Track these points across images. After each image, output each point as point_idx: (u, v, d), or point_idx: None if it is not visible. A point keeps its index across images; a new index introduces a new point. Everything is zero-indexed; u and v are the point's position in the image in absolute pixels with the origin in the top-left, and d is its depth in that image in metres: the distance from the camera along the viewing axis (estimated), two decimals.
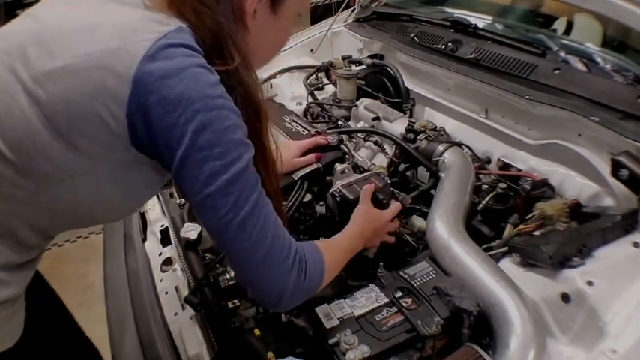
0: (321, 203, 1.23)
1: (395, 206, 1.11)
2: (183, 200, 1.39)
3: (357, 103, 1.67)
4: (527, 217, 1.05)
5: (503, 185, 1.21)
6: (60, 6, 0.79)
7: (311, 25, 2.30)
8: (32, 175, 0.71)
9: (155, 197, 1.50)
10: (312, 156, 1.24)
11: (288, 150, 1.24)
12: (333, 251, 0.90)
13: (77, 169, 0.71)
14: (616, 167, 0.99)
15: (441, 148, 1.27)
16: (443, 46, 1.55)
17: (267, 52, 0.91)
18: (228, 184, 0.71)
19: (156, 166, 0.75)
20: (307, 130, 1.40)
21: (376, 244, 1.09)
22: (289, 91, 1.91)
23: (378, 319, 0.89)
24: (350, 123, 1.67)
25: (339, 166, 1.21)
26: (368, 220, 1.04)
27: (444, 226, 1.04)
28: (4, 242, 0.76)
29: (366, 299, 0.93)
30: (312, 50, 2.12)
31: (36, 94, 0.68)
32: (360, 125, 1.60)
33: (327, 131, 1.43)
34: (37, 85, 0.68)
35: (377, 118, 1.55)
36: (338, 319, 0.89)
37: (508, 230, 1.10)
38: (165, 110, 0.66)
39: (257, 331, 0.95)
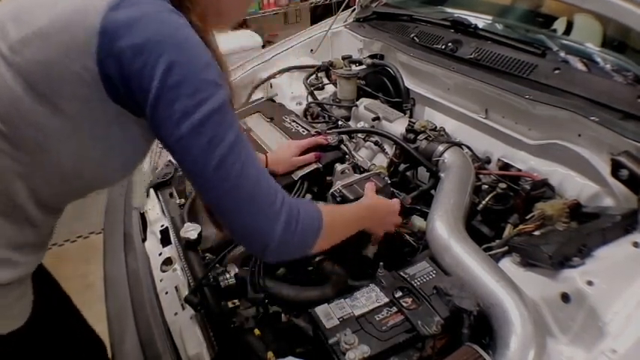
0: (321, 203, 1.23)
1: (397, 203, 1.12)
2: (183, 200, 1.39)
3: (357, 103, 1.67)
4: (527, 217, 1.05)
5: (503, 185, 1.21)
6: None
7: (311, 25, 2.30)
8: (23, 145, 0.73)
9: (155, 197, 1.50)
10: (311, 155, 1.24)
11: (287, 149, 1.24)
12: (333, 215, 0.88)
13: (62, 131, 0.73)
14: (616, 167, 0.99)
15: (441, 148, 1.27)
16: (443, 46, 1.55)
17: (232, 12, 0.88)
18: (200, 124, 0.70)
19: (137, 121, 0.76)
20: (307, 130, 1.40)
21: (380, 233, 1.09)
22: (289, 91, 1.91)
23: (378, 319, 0.89)
24: (350, 123, 1.67)
25: (339, 166, 1.21)
26: (378, 205, 1.06)
27: (444, 226, 1.04)
28: (14, 221, 0.77)
29: (366, 299, 0.93)
30: (312, 50, 2.12)
31: (13, 61, 0.70)
32: (360, 125, 1.60)
33: (327, 131, 1.43)
34: (14, 53, 0.70)
35: (377, 118, 1.55)
36: (338, 319, 0.89)
37: (508, 230, 1.10)
38: (134, 54, 0.67)
39: (257, 331, 0.95)
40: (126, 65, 0.68)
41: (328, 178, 1.24)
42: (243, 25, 3.84)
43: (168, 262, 1.27)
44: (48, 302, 0.93)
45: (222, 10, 0.84)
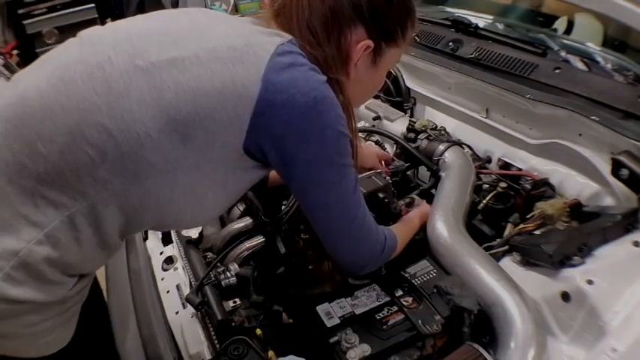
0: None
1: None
2: None
3: None
4: (528, 217, 1.05)
5: (503, 184, 1.21)
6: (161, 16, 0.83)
7: None
8: (133, 161, 0.69)
9: None
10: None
11: (368, 148, 1.28)
12: (402, 237, 0.99)
13: (183, 162, 0.70)
14: (616, 166, 0.99)
15: (441, 147, 1.27)
16: (444, 46, 1.54)
17: (360, 98, 0.95)
18: (343, 175, 0.78)
19: (255, 167, 0.78)
20: None
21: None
22: None
23: (378, 318, 0.89)
24: None
25: None
26: (423, 213, 1.12)
27: (444, 226, 1.04)
28: (95, 240, 0.73)
29: (367, 298, 0.93)
30: None
31: (156, 79, 0.68)
32: (361, 124, 1.60)
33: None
34: (159, 69, 0.69)
35: (378, 117, 1.55)
36: (339, 317, 0.90)
37: (509, 229, 1.10)
38: (292, 111, 0.69)
39: (258, 331, 0.95)
40: (282, 119, 0.70)
41: None
42: None
43: (169, 261, 1.27)
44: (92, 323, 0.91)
45: (352, 96, 0.86)
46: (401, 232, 1.01)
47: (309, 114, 0.71)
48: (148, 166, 0.69)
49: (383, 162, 1.29)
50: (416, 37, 1.66)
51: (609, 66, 1.21)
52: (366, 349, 0.82)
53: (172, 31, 0.75)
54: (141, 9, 3.97)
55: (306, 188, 0.79)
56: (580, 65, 1.25)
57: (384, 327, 0.87)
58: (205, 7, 2.78)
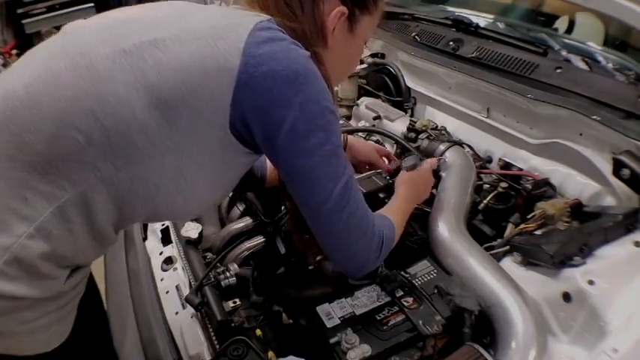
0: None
1: (428, 164, 1.14)
2: None
3: (358, 102, 1.67)
4: (529, 217, 1.05)
5: (504, 184, 1.21)
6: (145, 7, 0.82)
7: None
8: (120, 145, 0.68)
9: None
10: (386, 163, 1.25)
11: (366, 144, 1.26)
12: (396, 219, 0.94)
13: (169, 144, 0.70)
14: (618, 166, 0.99)
15: (442, 147, 1.27)
16: (444, 45, 1.54)
17: (340, 71, 0.93)
18: (330, 155, 0.74)
19: (243, 154, 0.77)
20: None
21: (424, 198, 1.11)
22: None
23: (379, 318, 0.89)
24: (351, 122, 1.66)
25: None
26: (415, 179, 1.08)
27: (445, 226, 1.04)
28: (87, 230, 0.72)
29: (367, 298, 0.93)
30: None
31: (139, 60, 0.68)
32: (361, 124, 1.60)
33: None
34: (141, 50, 0.69)
35: (378, 117, 1.55)
36: (339, 318, 0.89)
37: (509, 229, 1.10)
38: (274, 82, 0.69)
39: (258, 331, 0.95)
40: (261, 91, 0.69)
41: None
42: None
43: (169, 261, 1.27)
44: (89, 320, 0.91)
45: (334, 69, 0.85)
46: (398, 211, 0.97)
47: (292, 84, 0.70)
48: (135, 150, 0.69)
49: (385, 158, 1.28)
50: (416, 37, 1.66)
51: (610, 65, 1.21)
52: (366, 349, 0.82)
53: (153, 17, 0.77)
54: None
55: (291, 166, 0.76)
56: (581, 65, 1.24)
57: (385, 327, 0.87)
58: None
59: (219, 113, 0.70)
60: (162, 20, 0.76)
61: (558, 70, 1.22)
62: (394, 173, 1.21)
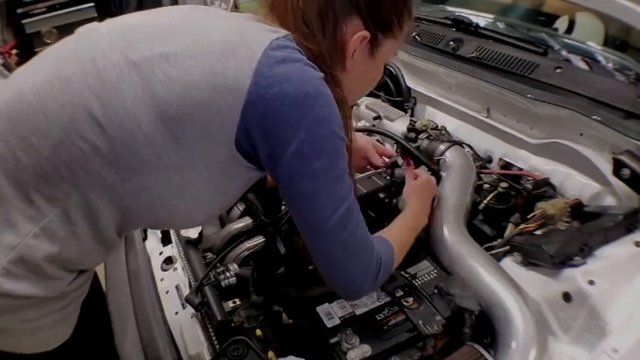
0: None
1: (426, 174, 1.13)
2: None
3: (358, 102, 1.66)
4: (529, 217, 1.05)
5: (504, 184, 1.21)
6: (155, 13, 0.82)
7: None
8: (126, 157, 0.68)
9: None
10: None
11: (366, 143, 1.23)
12: (399, 243, 0.90)
13: (174, 158, 0.69)
14: (618, 166, 0.99)
15: (442, 147, 1.27)
16: (444, 45, 1.54)
17: (357, 92, 0.92)
18: (335, 180, 0.73)
19: (247, 170, 0.76)
20: None
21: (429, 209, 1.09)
22: None
23: (379, 318, 0.89)
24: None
25: None
26: (418, 189, 1.06)
27: (445, 226, 1.04)
28: (91, 234, 0.72)
29: (367, 298, 0.93)
30: None
31: (148, 72, 0.68)
32: (362, 124, 1.59)
33: None
34: (151, 63, 0.68)
35: (378, 117, 1.55)
36: (339, 318, 0.89)
37: (509, 229, 1.10)
38: (283, 103, 0.68)
39: (258, 331, 0.95)
40: (270, 113, 0.68)
41: None
42: None
43: (168, 261, 1.27)
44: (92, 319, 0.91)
45: (350, 90, 0.84)
46: (406, 228, 0.95)
47: (302, 106, 0.69)
48: (141, 162, 0.69)
49: (383, 157, 1.26)
50: (416, 37, 1.66)
51: (610, 65, 1.21)
52: (366, 349, 0.82)
53: (166, 26, 0.75)
54: (140, 8, 3.97)
55: (292, 187, 0.74)
56: (581, 64, 1.24)
57: (385, 327, 0.87)
58: (205, 5, 2.78)
59: (225, 130, 0.70)
60: (175, 30, 0.74)
61: (558, 70, 1.22)
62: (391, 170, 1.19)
